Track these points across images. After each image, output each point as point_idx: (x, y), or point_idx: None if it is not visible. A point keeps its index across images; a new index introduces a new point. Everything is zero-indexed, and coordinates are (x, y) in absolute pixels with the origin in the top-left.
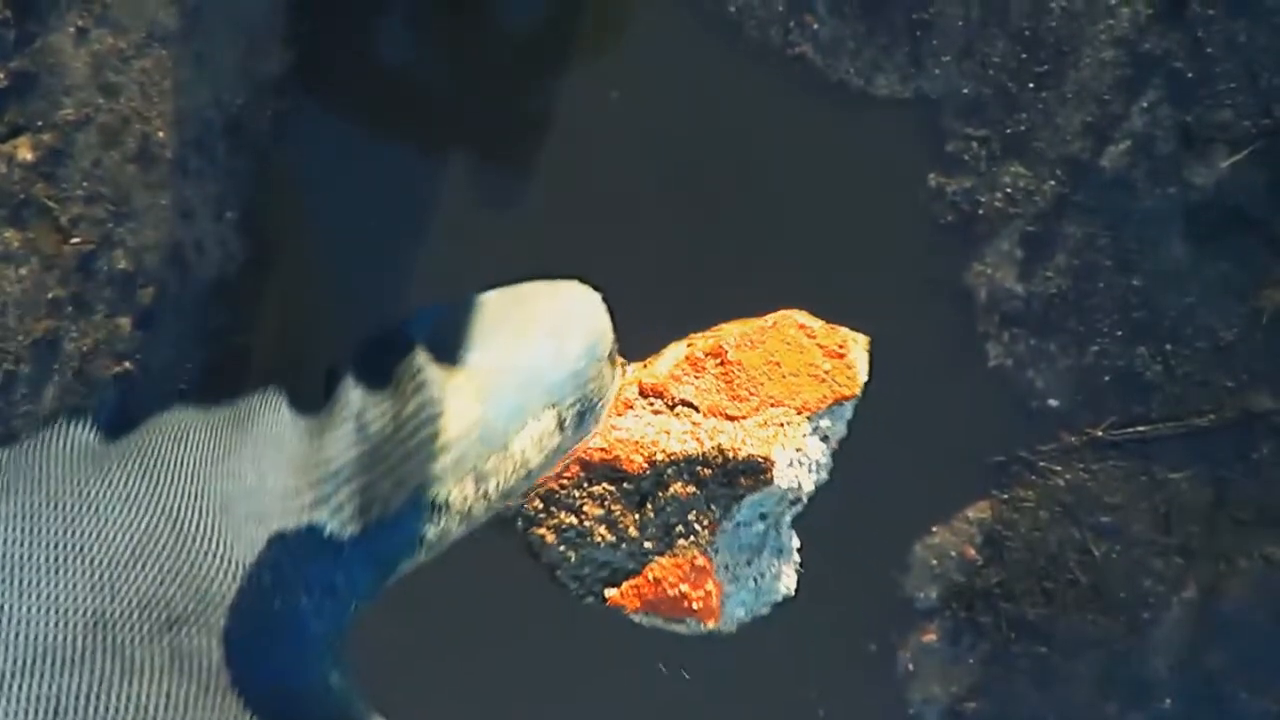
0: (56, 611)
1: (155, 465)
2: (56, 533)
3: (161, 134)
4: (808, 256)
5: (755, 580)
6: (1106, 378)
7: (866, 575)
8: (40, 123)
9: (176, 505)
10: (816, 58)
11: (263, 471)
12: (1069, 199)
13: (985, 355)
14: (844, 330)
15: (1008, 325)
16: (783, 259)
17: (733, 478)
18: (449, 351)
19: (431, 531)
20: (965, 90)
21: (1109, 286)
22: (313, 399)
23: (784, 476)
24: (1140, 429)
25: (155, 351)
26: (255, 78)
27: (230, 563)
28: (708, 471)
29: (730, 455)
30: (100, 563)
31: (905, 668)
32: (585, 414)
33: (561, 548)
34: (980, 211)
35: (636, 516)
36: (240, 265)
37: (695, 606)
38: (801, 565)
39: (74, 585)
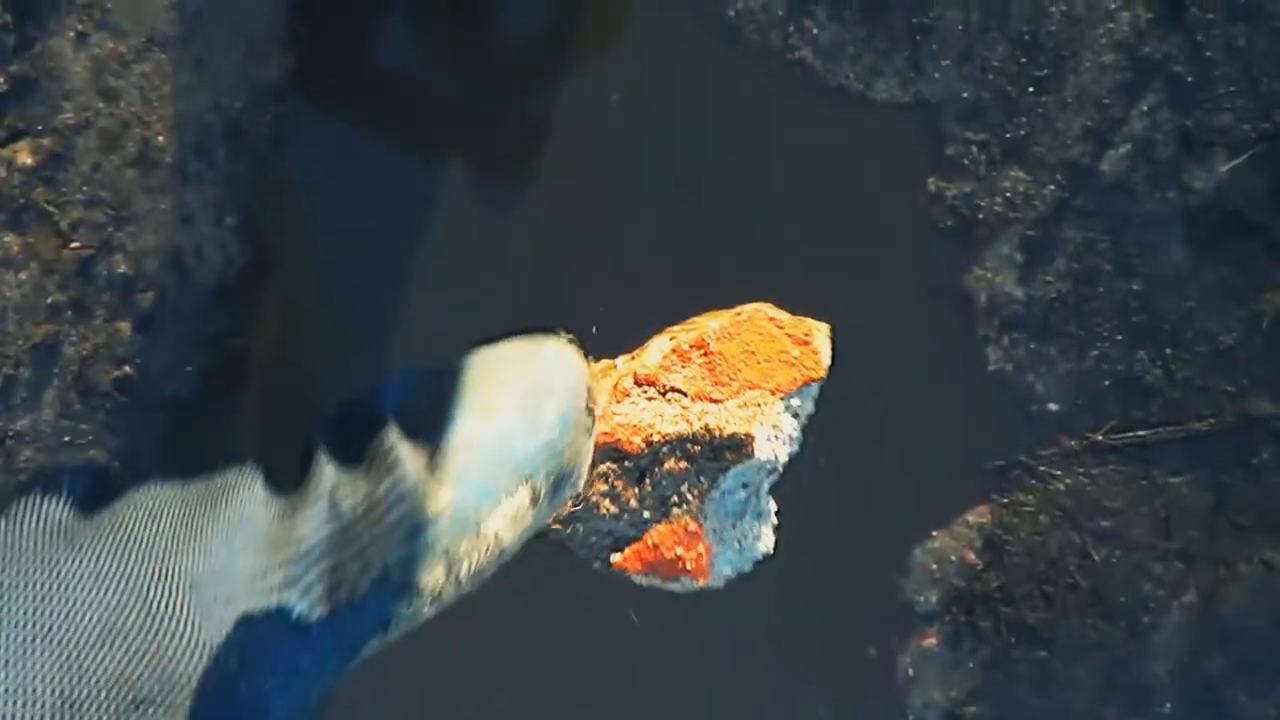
0: (24, 694)
1: (127, 543)
2: (26, 613)
3: (161, 138)
4: (808, 260)
5: (739, 541)
6: (1106, 382)
7: (866, 580)
8: (40, 127)
9: (147, 585)
10: (816, 62)
11: (234, 551)
12: (1069, 203)
13: (985, 359)
14: (809, 320)
15: (1007, 329)
16: (783, 262)
17: (719, 453)
18: (421, 426)
19: (401, 614)
20: (965, 94)
21: (1109, 291)
22: (289, 471)
23: (763, 449)
24: (1140, 433)
25: (155, 356)
26: (255, 82)
27: (198, 644)
28: (697, 449)
29: (716, 433)
30: (69, 643)
31: (905, 672)
32: (561, 483)
33: (571, 520)
34: (980, 216)
35: (636, 490)
36: (240, 270)
37: (689, 567)
38: (779, 526)
39: (42, 667)
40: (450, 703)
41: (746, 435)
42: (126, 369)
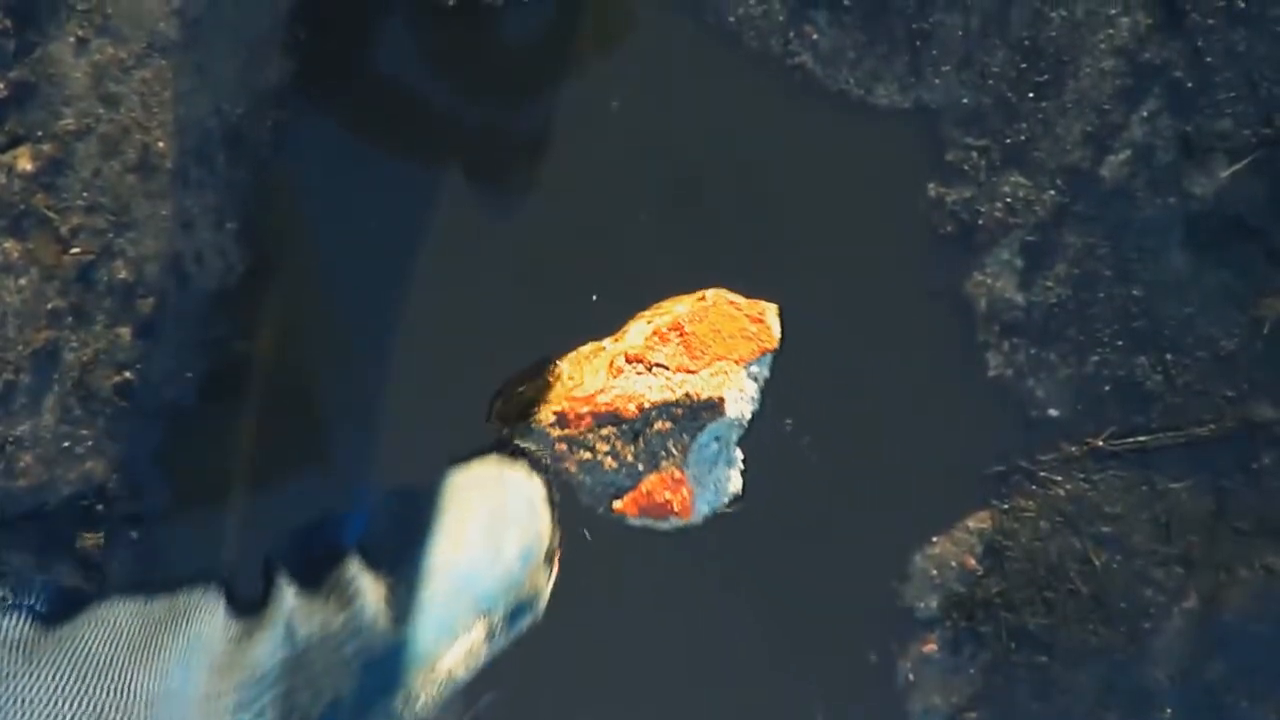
0: None
1: (85, 660)
2: None
3: (161, 144)
4: (807, 264)
5: (715, 485)
6: (1107, 387)
7: (866, 585)
8: (40, 133)
9: (103, 702)
10: (816, 67)
11: (190, 671)
12: (1069, 209)
13: (985, 365)
14: (761, 302)
15: (1008, 335)
16: (783, 265)
17: (697, 414)
18: (384, 555)
19: None
20: (965, 100)
21: (1109, 296)
22: (252, 587)
23: (731, 409)
24: (1140, 439)
25: (155, 362)
26: (255, 87)
27: None
28: (679, 411)
29: (694, 398)
30: None
31: (906, 678)
32: (519, 614)
33: (580, 474)
34: (980, 221)
35: (632, 448)
36: (240, 275)
37: (675, 508)
38: (745, 470)
39: None
40: None
41: (718, 398)
42: (127, 375)
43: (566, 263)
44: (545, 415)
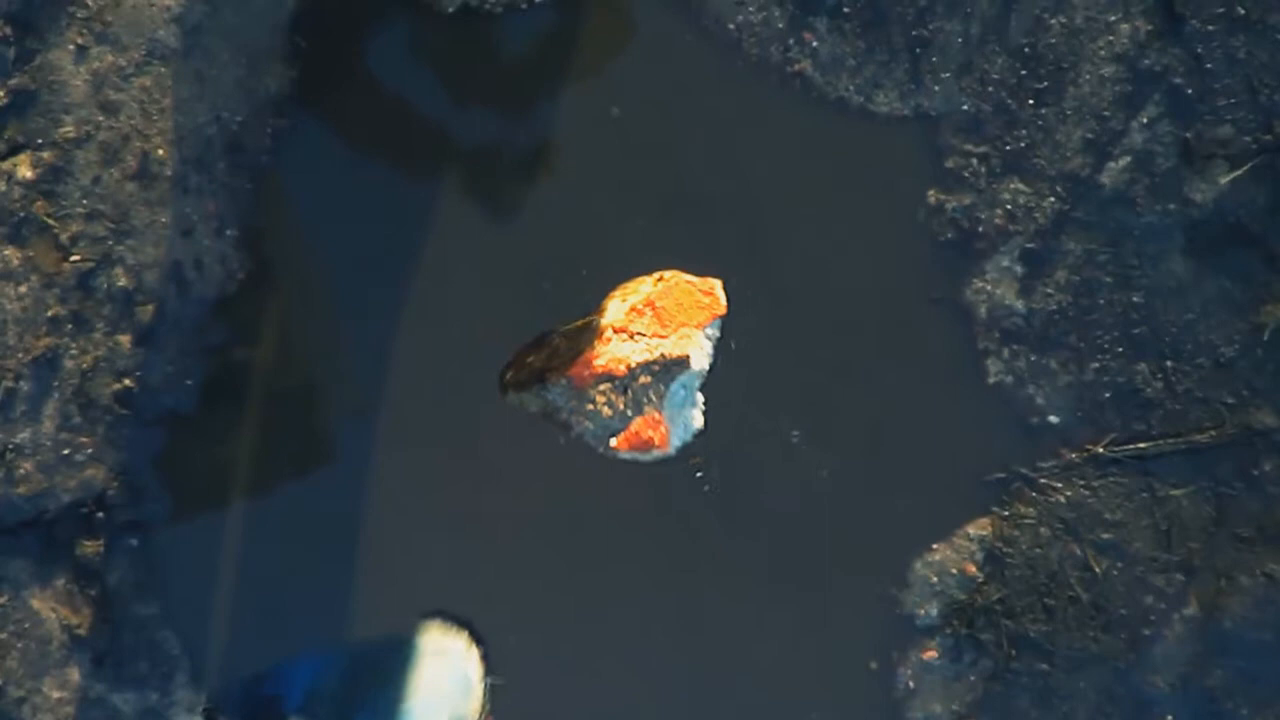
0: None
1: None
2: None
3: (161, 151)
4: (806, 272)
5: (684, 423)
6: (1107, 394)
7: (867, 592)
8: (40, 140)
9: None
10: (816, 75)
11: None
12: (1069, 215)
13: (985, 372)
14: (710, 279)
15: (1008, 342)
16: (781, 271)
17: (669, 369)
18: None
19: None
20: (965, 107)
21: (1109, 303)
22: None
23: (695, 363)
24: (1141, 445)
25: (155, 369)
26: (255, 95)
27: None
28: (656, 368)
29: (667, 357)
30: None
31: (906, 685)
32: None
33: (585, 421)
34: (980, 228)
35: (622, 399)
36: (240, 282)
37: (656, 442)
38: (706, 410)
39: None
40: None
41: (685, 356)
42: (127, 382)
43: (556, 252)
44: (556, 378)
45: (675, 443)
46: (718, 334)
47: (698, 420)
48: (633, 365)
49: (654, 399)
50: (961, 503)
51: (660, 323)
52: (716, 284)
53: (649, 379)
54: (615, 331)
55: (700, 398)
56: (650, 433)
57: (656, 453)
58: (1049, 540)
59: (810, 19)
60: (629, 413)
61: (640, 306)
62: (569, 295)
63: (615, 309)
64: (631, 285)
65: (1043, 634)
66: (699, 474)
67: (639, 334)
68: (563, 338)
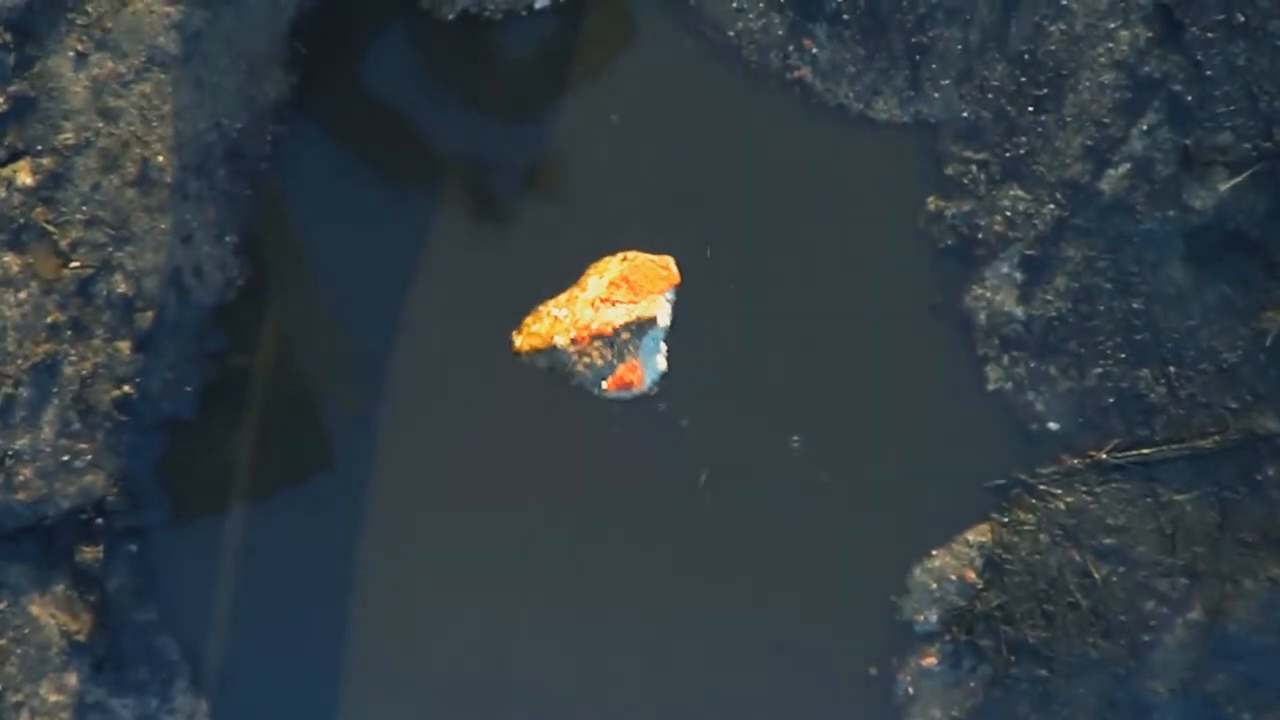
0: None
1: None
2: None
3: (161, 158)
4: (805, 278)
5: (654, 367)
6: (1109, 400)
7: (866, 598)
8: (40, 147)
9: None
10: (815, 81)
11: None
12: (1069, 222)
13: (985, 378)
14: (664, 255)
15: (1007, 348)
16: (780, 278)
17: (643, 327)
18: None
19: None
20: (964, 113)
21: (1110, 309)
22: None
23: (660, 321)
24: (1144, 451)
25: (154, 375)
26: (255, 102)
27: None
28: (634, 326)
29: (641, 318)
30: None
31: (905, 691)
32: None
33: (584, 371)
34: (979, 235)
35: (610, 352)
36: (239, 288)
37: (634, 384)
38: (669, 354)
39: None
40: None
41: (653, 317)
42: (126, 388)
43: (564, 269)
44: (563, 341)
45: (648, 382)
46: (674, 298)
47: (663, 364)
48: (617, 326)
49: (633, 350)
50: (961, 509)
51: (634, 292)
52: (671, 260)
53: (629, 335)
54: (601, 301)
55: (664, 347)
56: (630, 375)
57: (634, 391)
58: (1049, 546)
59: (810, 26)
60: (615, 362)
61: (617, 280)
62: (557, 278)
63: (595, 285)
64: (601, 264)
65: (1042, 640)
66: (702, 482)
67: (619, 301)
68: (559, 307)
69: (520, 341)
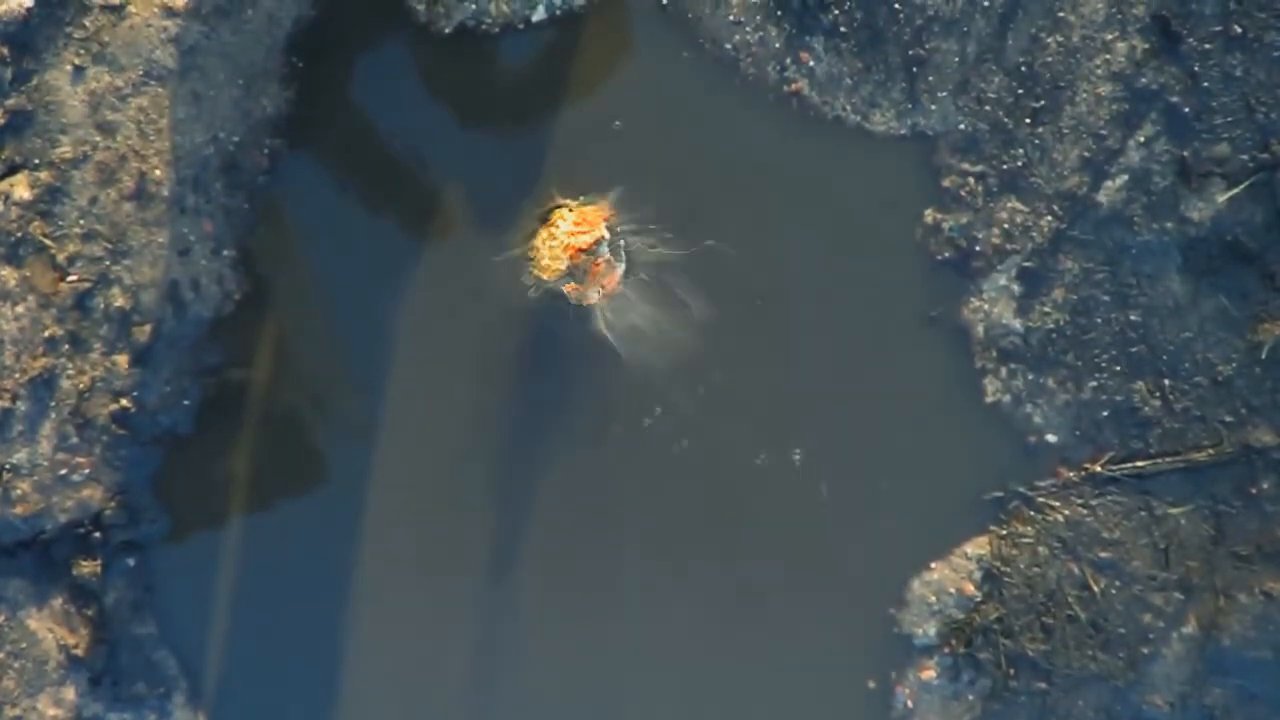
0: None
1: None
2: None
3: (158, 172)
4: (802, 291)
5: (613, 269)
6: (1105, 412)
7: (864, 612)
8: (37, 160)
9: None
10: (813, 94)
11: None
12: (1066, 234)
13: (982, 391)
14: (598, 200)
15: (1005, 361)
16: (778, 292)
17: (598, 243)
18: None
19: None
20: (961, 126)
21: (1107, 321)
22: None
23: (607, 238)
24: (1139, 464)
25: (152, 389)
26: (252, 116)
27: None
28: (594, 244)
29: (599, 239)
30: None
31: (904, 704)
32: None
33: (572, 284)
34: (977, 247)
35: (585, 261)
36: (237, 302)
37: (605, 279)
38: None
39: None
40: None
41: (602, 236)
42: (124, 402)
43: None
44: (560, 266)
45: (618, 279)
46: (608, 223)
47: (621, 269)
48: (586, 246)
49: (595, 256)
50: (959, 522)
51: (589, 225)
52: (603, 202)
53: (593, 248)
54: (576, 234)
55: (624, 254)
56: (601, 276)
57: (608, 286)
58: (1047, 559)
59: (807, 39)
60: (587, 268)
61: (579, 220)
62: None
63: (567, 222)
64: (558, 212)
65: (1041, 653)
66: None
67: (583, 233)
68: (543, 244)
69: (544, 273)
